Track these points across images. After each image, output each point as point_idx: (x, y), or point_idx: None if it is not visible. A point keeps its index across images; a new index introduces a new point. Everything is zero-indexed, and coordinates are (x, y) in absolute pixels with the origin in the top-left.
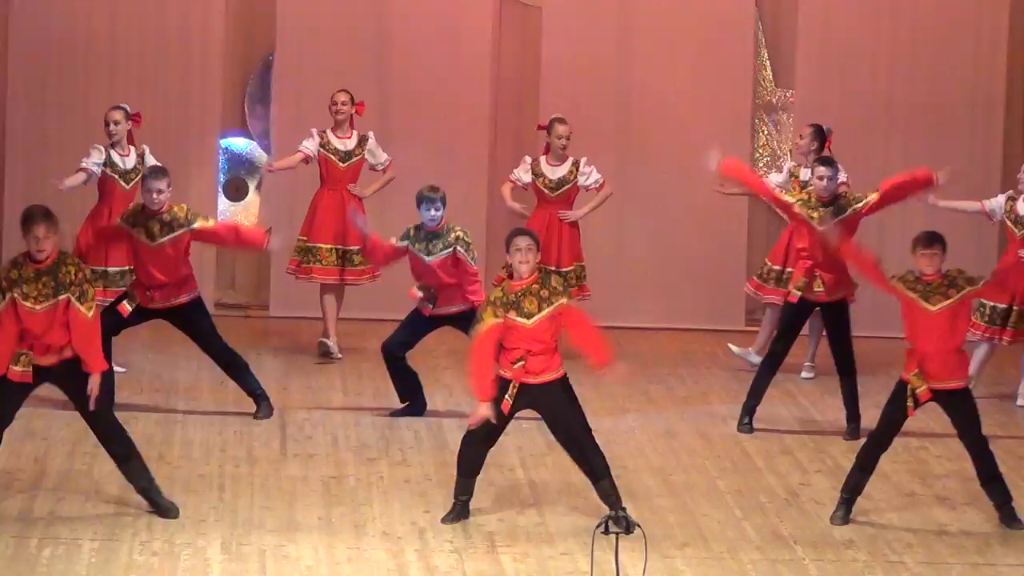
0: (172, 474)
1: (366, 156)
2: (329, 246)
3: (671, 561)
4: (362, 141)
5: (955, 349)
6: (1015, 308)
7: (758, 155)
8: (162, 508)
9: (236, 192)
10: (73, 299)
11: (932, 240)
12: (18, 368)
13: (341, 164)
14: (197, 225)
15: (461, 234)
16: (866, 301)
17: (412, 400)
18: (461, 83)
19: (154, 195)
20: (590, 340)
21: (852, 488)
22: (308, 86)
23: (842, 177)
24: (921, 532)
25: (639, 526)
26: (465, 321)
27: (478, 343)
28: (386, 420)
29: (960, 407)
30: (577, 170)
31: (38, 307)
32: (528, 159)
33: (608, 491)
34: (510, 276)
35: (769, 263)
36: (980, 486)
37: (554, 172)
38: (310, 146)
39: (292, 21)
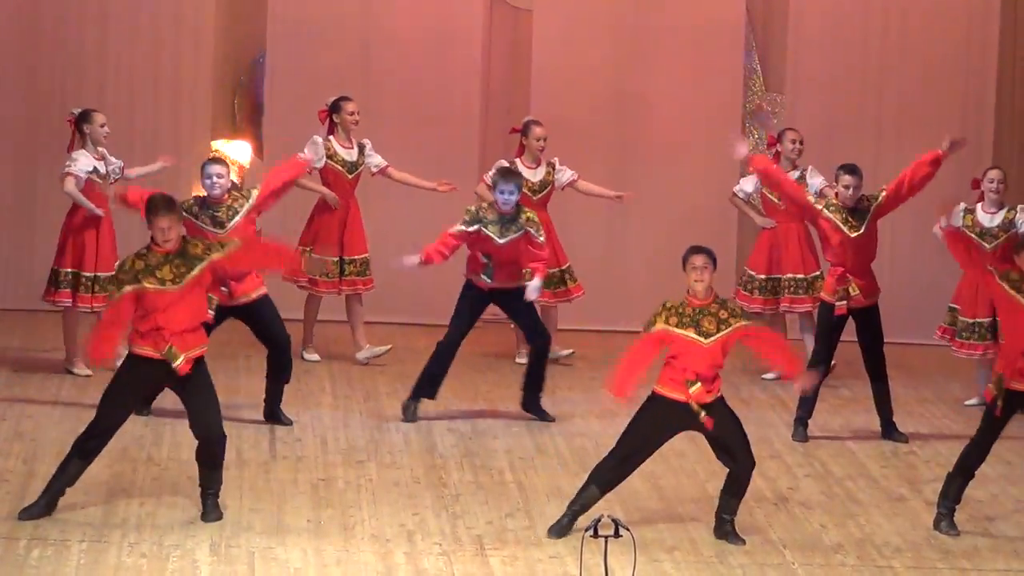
0: (160, 475)
1: (367, 163)
2: (335, 259)
3: (660, 565)
4: (361, 149)
5: None
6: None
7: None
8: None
9: None
10: (217, 255)
11: None
12: (178, 363)
13: (349, 175)
14: (254, 196)
15: (531, 215)
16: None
17: (431, 388)
18: (451, 85)
19: (214, 179)
20: (778, 353)
21: (956, 497)
22: (300, 87)
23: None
24: (910, 537)
25: (628, 530)
26: (517, 299)
27: (642, 344)
28: (375, 423)
29: None
30: (553, 171)
31: (173, 287)
32: (504, 163)
33: (732, 507)
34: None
35: (751, 271)
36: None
37: (534, 175)
38: (311, 154)
39: (283, 23)
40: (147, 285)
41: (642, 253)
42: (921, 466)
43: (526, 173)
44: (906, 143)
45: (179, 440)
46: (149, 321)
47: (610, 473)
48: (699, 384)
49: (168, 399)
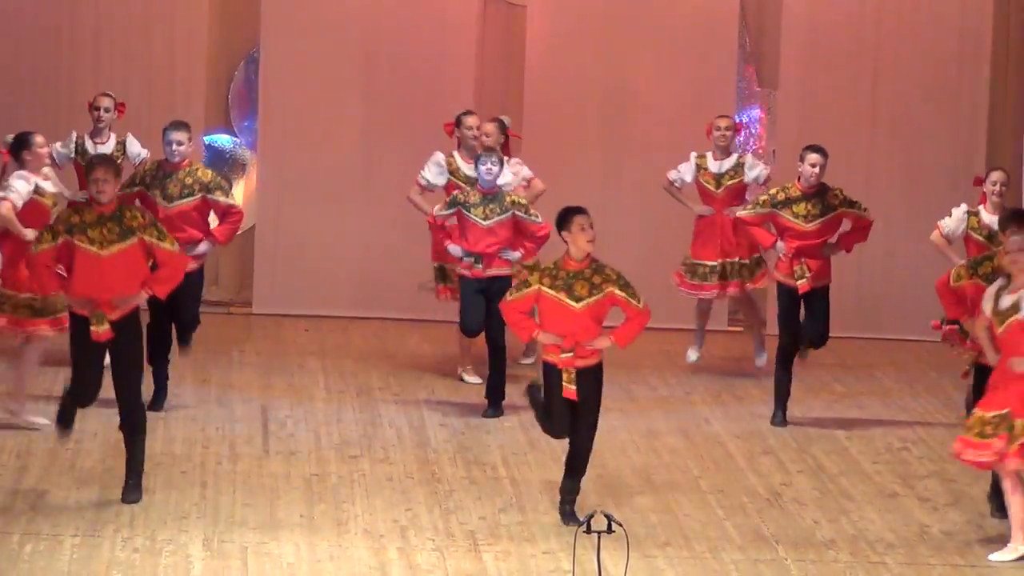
0: (154, 470)
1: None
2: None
3: (653, 560)
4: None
5: None
6: None
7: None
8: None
9: None
10: (151, 239)
11: None
12: (101, 328)
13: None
14: (216, 195)
15: (515, 197)
16: (850, 300)
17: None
18: (445, 80)
19: (174, 147)
20: (627, 325)
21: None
22: (293, 82)
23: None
24: (902, 533)
25: (621, 525)
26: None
27: (515, 304)
28: (368, 417)
29: None
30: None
31: (103, 252)
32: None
33: (573, 489)
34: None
35: (699, 260)
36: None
37: (472, 169)
38: (431, 174)
39: (276, 18)
40: (77, 242)
41: (632, 249)
42: (914, 462)
43: (463, 168)
44: (898, 145)
45: (172, 435)
46: (79, 280)
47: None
48: (571, 352)
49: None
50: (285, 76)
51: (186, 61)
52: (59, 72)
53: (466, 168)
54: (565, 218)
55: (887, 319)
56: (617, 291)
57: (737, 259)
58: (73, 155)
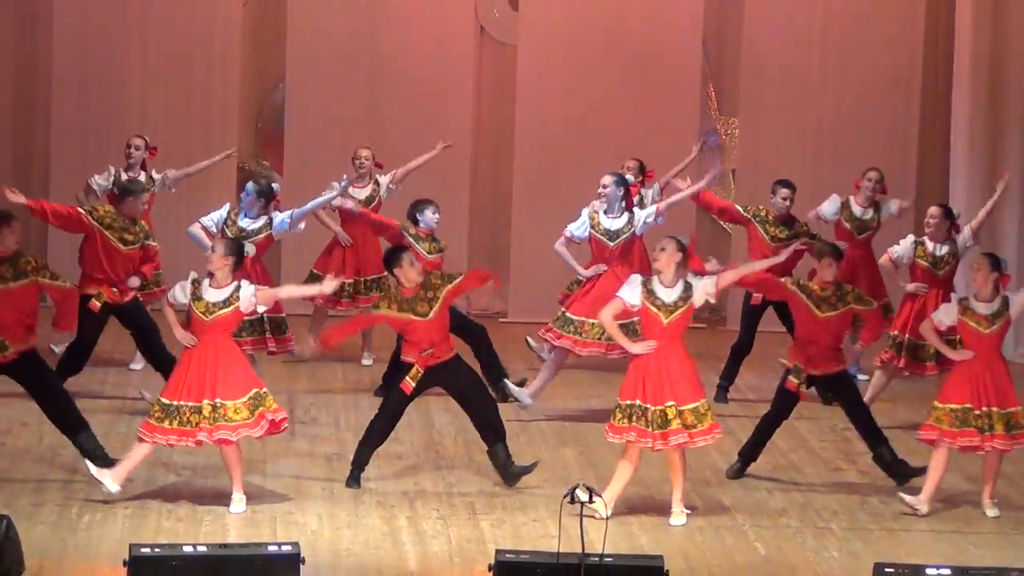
0: (195, 452)
1: (382, 195)
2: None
3: (629, 527)
4: (376, 185)
5: None
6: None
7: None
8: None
9: None
10: (44, 279)
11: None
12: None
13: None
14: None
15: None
16: None
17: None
18: (446, 109)
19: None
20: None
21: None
22: (315, 114)
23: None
24: (845, 502)
25: (601, 497)
26: None
27: (364, 318)
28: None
29: None
30: (378, 185)
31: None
32: (345, 178)
33: (504, 452)
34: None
35: (568, 312)
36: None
37: (361, 193)
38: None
39: (300, 58)
40: None
41: None
42: (855, 441)
43: (354, 192)
44: (840, 165)
45: None
46: None
47: (380, 434)
48: (431, 349)
49: None
50: (306, 106)
51: (221, 96)
52: (111, 110)
53: (355, 191)
54: (393, 257)
55: None
56: (449, 287)
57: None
58: (109, 187)
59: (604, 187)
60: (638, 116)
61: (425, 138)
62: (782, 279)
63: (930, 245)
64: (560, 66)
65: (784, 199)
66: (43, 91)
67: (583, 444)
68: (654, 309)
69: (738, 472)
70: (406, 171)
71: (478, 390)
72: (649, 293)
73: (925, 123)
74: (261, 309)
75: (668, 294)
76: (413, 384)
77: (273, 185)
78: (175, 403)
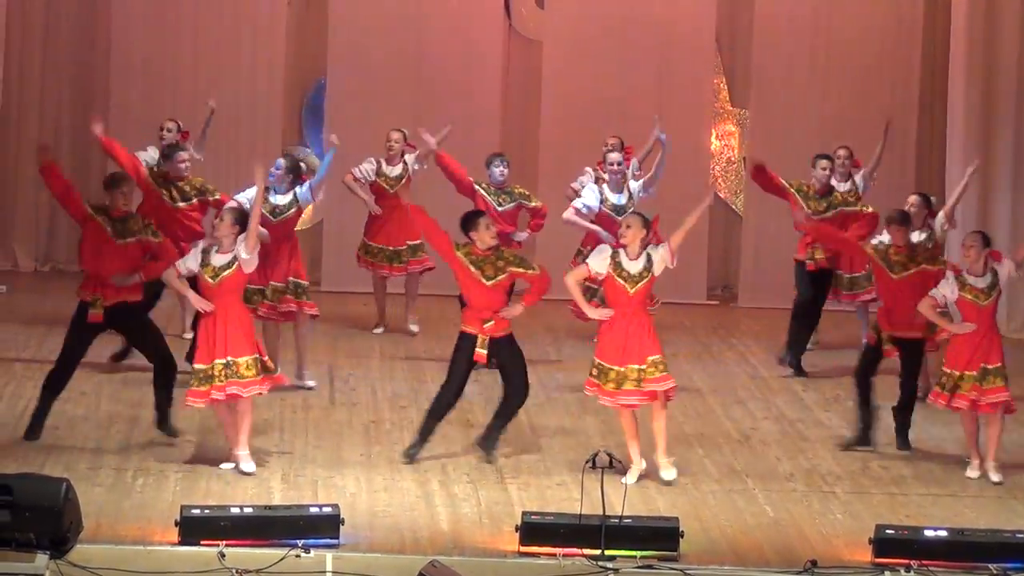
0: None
1: (411, 172)
2: (381, 246)
3: (646, 491)
4: (405, 164)
5: None
6: None
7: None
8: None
9: None
10: (150, 237)
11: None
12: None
13: (390, 189)
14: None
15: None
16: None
17: None
18: (476, 101)
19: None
20: (534, 288)
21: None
22: (353, 103)
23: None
24: (848, 467)
25: (620, 462)
26: None
27: (438, 239)
28: (417, 375)
29: None
30: (407, 164)
31: (118, 241)
32: (374, 160)
33: (499, 427)
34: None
35: None
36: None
37: (393, 171)
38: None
39: (341, 54)
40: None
41: None
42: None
43: (385, 169)
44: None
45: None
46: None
47: (448, 406)
48: (492, 321)
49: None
50: (346, 98)
51: (266, 88)
52: (174, 104)
53: (387, 169)
54: (471, 219)
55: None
56: (518, 268)
57: None
58: (154, 164)
59: (617, 165)
60: (656, 108)
61: (455, 129)
62: (862, 243)
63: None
64: (583, 61)
65: (824, 169)
66: (101, 82)
67: (604, 413)
68: (620, 280)
69: (858, 442)
70: (426, 152)
71: (522, 375)
72: (616, 265)
73: (923, 119)
74: (252, 262)
75: (633, 266)
76: (484, 352)
77: (301, 163)
78: (206, 366)
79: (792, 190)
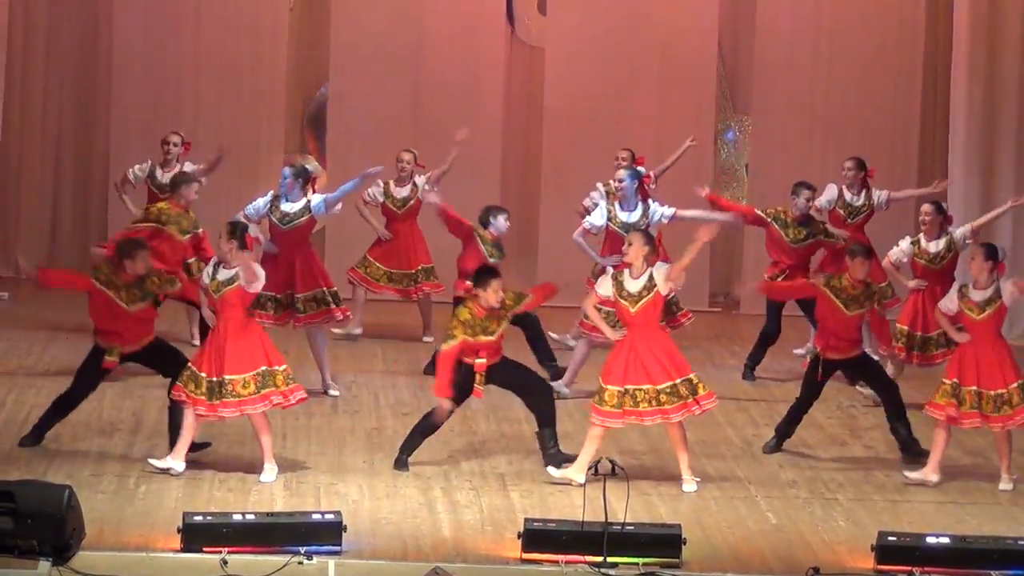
0: (244, 424)
1: (420, 196)
2: (388, 269)
3: (648, 498)
4: (415, 186)
5: None
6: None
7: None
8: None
9: None
10: (169, 291)
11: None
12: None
13: (399, 211)
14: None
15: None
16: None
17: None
18: (477, 109)
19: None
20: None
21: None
22: (357, 113)
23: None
24: (851, 475)
25: (623, 469)
26: None
27: (449, 353)
28: (419, 382)
29: None
30: (418, 187)
31: (131, 308)
32: (381, 182)
33: (550, 436)
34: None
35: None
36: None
37: (400, 192)
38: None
39: (343, 60)
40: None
41: None
42: (860, 417)
43: (393, 190)
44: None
45: None
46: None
47: (432, 428)
48: (483, 359)
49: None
50: (348, 106)
51: (269, 89)
52: (177, 113)
53: (394, 190)
54: (485, 277)
55: None
56: (519, 308)
57: None
58: (145, 178)
59: (620, 182)
60: (659, 114)
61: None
62: (812, 280)
63: (925, 242)
64: (586, 67)
65: (807, 200)
66: (103, 91)
67: None
68: (623, 300)
69: (773, 448)
70: (440, 173)
71: (528, 381)
72: (619, 285)
73: (925, 120)
74: (255, 287)
75: (634, 285)
76: (482, 389)
77: (307, 167)
78: (199, 373)
79: (769, 219)
